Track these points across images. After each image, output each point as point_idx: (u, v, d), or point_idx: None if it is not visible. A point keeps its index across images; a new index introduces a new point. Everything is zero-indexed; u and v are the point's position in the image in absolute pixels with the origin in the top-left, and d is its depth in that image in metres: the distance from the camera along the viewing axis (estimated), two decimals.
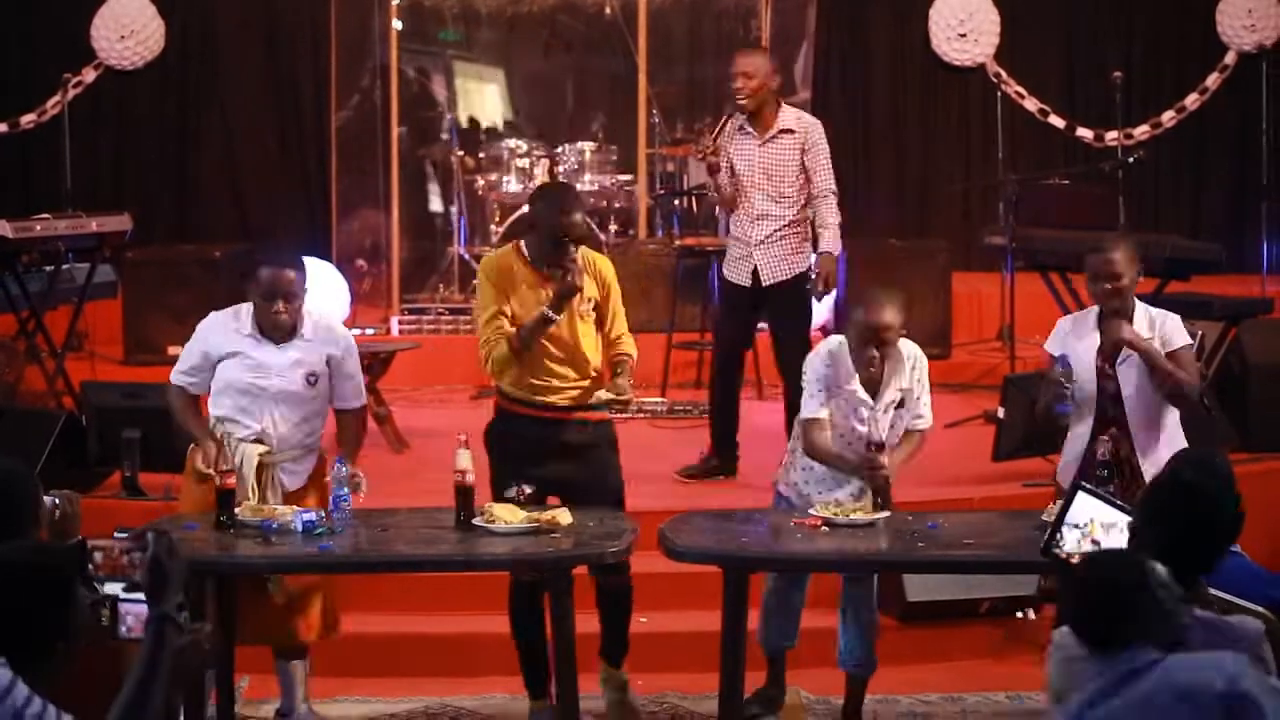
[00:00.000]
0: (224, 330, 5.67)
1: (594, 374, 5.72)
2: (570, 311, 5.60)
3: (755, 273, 7.40)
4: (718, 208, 7.52)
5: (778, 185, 7.38)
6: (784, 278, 7.41)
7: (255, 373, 5.60)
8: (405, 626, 6.59)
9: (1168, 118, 11.77)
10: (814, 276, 7.43)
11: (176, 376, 5.74)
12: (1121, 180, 9.86)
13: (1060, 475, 5.76)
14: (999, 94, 11.37)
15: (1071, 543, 4.40)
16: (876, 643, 5.84)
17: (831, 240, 7.40)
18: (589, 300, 5.66)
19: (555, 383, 5.66)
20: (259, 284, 5.57)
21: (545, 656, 5.66)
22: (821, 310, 8.17)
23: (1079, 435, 5.66)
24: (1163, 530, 3.75)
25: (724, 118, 7.51)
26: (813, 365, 5.71)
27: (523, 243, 5.70)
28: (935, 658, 6.55)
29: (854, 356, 5.62)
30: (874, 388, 5.63)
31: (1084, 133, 11.69)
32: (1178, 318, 5.71)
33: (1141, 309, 5.66)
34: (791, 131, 7.39)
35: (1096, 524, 4.40)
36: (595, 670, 5.86)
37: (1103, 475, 5.23)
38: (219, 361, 5.64)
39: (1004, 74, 11.64)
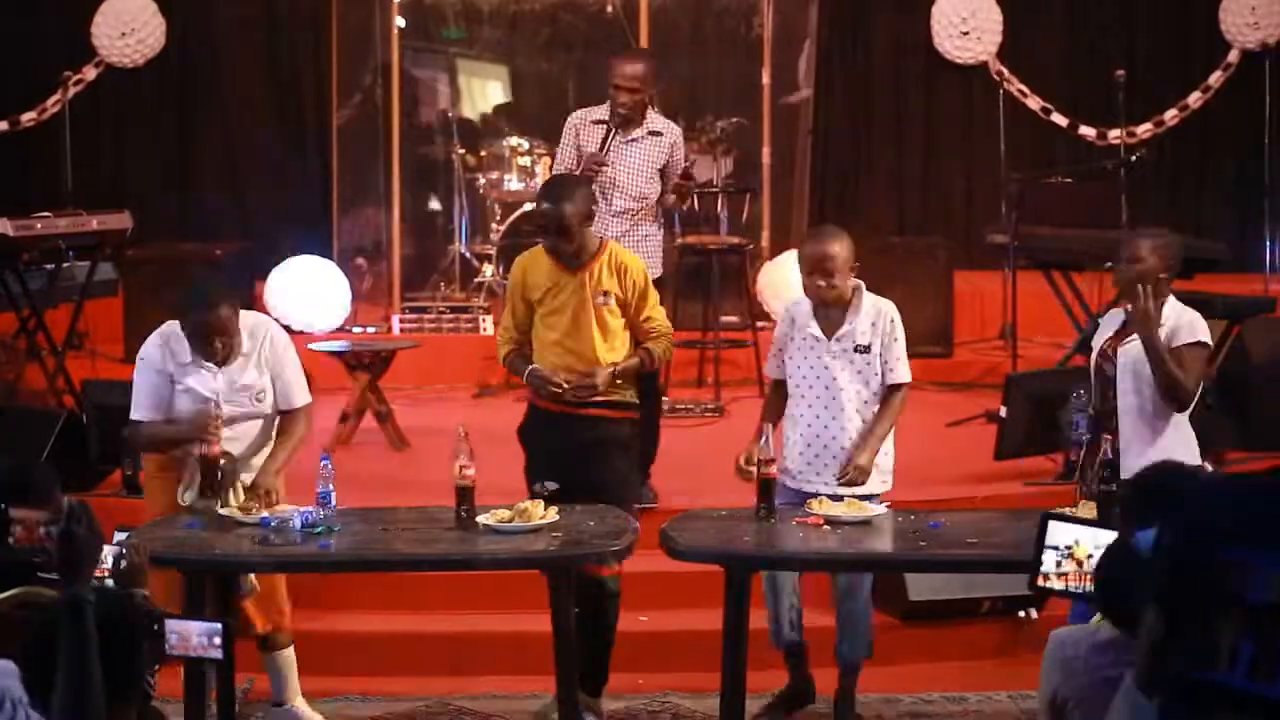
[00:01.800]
0: (162, 362, 5.54)
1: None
2: (587, 309, 5.71)
3: None
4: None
5: (639, 185, 7.15)
6: None
7: (201, 403, 5.52)
8: (405, 625, 6.57)
9: (1170, 116, 11.74)
10: None
11: (139, 413, 5.58)
12: (1124, 178, 9.84)
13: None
14: (1001, 92, 11.36)
15: (1050, 565, 4.44)
16: (868, 633, 5.85)
17: None
18: (606, 295, 5.74)
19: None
20: (190, 329, 5.47)
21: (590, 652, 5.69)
22: None
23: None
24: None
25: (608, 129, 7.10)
26: (779, 323, 5.87)
27: None
28: (937, 657, 6.55)
29: (807, 293, 5.72)
30: (830, 328, 5.70)
31: (1086, 131, 11.66)
32: (1199, 318, 5.66)
33: (1172, 303, 5.64)
34: (659, 134, 7.16)
35: (1081, 544, 4.40)
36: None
37: (1106, 475, 5.23)
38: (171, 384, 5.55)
39: (1006, 72, 11.61)
